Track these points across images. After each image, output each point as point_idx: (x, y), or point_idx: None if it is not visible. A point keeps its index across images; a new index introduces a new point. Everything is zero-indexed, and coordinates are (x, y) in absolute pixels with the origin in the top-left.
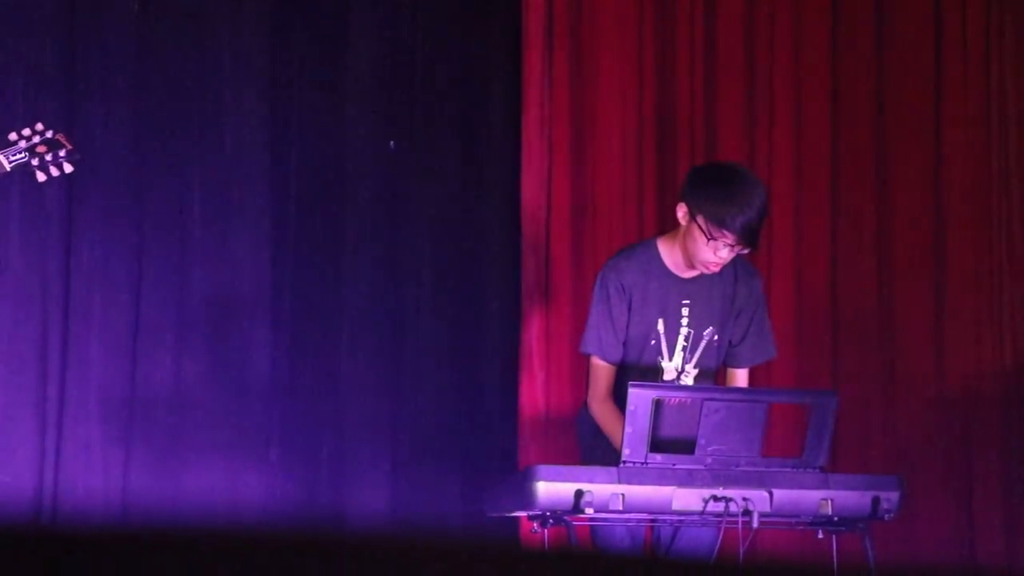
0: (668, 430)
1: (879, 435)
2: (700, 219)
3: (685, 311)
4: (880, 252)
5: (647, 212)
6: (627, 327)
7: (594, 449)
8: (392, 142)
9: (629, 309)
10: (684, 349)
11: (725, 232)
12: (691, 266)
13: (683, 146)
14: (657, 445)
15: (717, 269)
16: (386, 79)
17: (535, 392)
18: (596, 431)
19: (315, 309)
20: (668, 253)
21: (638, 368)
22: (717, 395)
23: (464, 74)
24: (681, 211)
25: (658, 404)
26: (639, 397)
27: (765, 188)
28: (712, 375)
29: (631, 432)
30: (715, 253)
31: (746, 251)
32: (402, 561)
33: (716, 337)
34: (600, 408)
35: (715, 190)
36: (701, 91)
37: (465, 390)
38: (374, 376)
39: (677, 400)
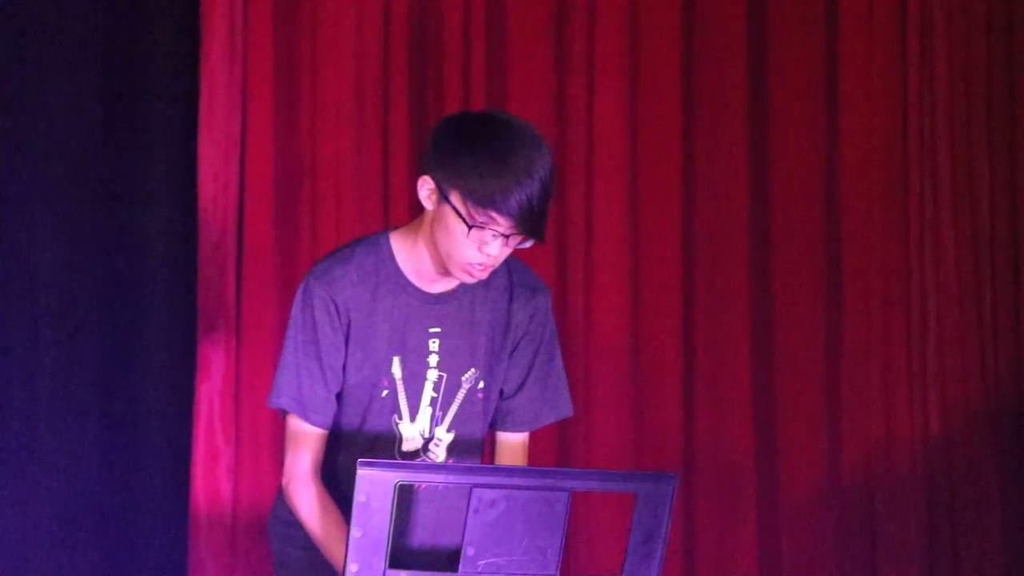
0: (419, 534)
1: (749, 541)
2: (455, 197)
3: (434, 345)
4: (755, 250)
5: (395, 186)
6: (344, 369)
7: (296, 564)
8: None
9: (346, 341)
10: (433, 404)
11: (494, 214)
12: (443, 272)
13: (452, 75)
14: (400, 558)
15: (484, 274)
16: None
17: (216, 476)
18: (300, 537)
19: None
20: (407, 254)
21: (362, 435)
22: (492, 478)
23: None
24: (425, 188)
25: (403, 492)
26: (374, 482)
27: (549, 150)
28: (478, 445)
29: (360, 538)
30: (480, 249)
31: (527, 245)
32: None
33: (482, 385)
34: (303, 498)
35: (476, 152)
36: None
37: (111, 470)
38: None
39: (427, 486)
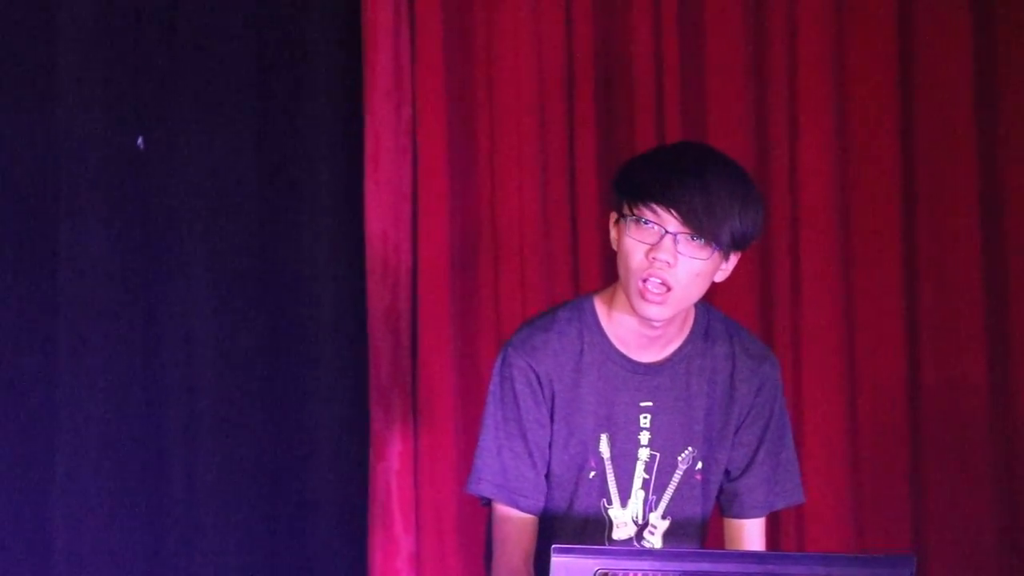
0: None
1: None
2: (624, 206)
3: (645, 420)
4: (991, 294)
5: (585, 242)
6: (549, 448)
7: None
8: (140, 137)
9: (552, 418)
10: (645, 486)
11: (654, 205)
12: (647, 340)
13: (643, 113)
14: None
15: (661, 301)
16: (119, 26)
17: (395, 569)
18: None
19: (15, 415)
20: (610, 318)
21: (570, 520)
22: (704, 565)
23: (261, 22)
24: (612, 224)
25: None
26: (571, 570)
27: (747, 177)
28: (697, 530)
29: None
30: (648, 255)
31: (717, 268)
32: None
33: (700, 465)
34: None
35: (646, 159)
36: (673, 21)
37: (277, 562)
38: (110, 535)
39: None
